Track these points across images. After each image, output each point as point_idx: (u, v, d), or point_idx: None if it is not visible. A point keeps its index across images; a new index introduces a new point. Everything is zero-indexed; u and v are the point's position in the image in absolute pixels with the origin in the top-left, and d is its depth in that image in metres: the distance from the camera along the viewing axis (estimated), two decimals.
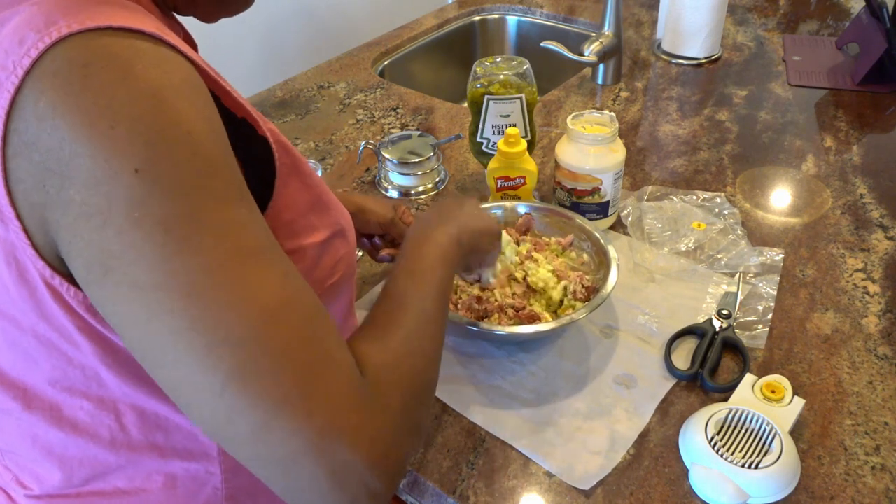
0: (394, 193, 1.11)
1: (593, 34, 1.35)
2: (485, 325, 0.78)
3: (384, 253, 0.87)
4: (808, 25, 1.61)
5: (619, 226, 1.02)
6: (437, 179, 1.12)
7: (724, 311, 0.84)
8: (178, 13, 0.57)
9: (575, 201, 0.97)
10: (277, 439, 0.42)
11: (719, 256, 0.94)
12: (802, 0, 1.75)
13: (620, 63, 1.39)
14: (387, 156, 1.09)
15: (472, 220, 0.70)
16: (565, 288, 0.84)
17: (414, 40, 1.62)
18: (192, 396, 0.43)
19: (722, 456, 0.66)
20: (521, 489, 0.68)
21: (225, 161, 0.44)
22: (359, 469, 0.44)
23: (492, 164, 0.99)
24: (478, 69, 1.06)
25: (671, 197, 1.05)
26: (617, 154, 0.95)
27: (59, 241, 0.42)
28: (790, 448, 0.68)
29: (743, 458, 0.66)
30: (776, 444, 0.67)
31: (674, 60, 1.47)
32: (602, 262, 0.86)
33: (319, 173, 1.09)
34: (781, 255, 0.94)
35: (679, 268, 0.93)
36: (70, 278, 0.45)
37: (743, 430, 0.69)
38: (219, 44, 1.60)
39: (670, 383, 0.77)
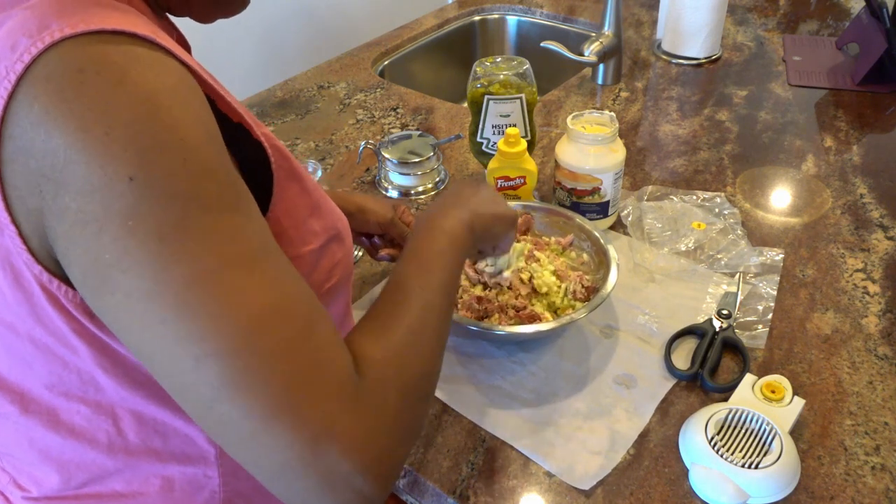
0: (394, 193, 1.11)
1: (593, 34, 1.35)
2: (485, 324, 0.78)
3: (384, 253, 0.87)
4: (808, 25, 1.61)
5: (619, 226, 1.02)
6: (437, 179, 1.12)
7: (724, 311, 0.84)
8: (172, 14, 0.56)
9: (575, 201, 0.97)
10: (269, 448, 0.42)
11: (719, 256, 0.94)
12: (802, 0, 1.75)
13: (620, 63, 1.39)
14: (387, 156, 1.09)
15: (486, 205, 0.68)
16: (566, 289, 0.84)
17: (414, 40, 1.62)
18: (189, 404, 0.44)
19: (722, 456, 0.66)
20: (521, 489, 0.68)
21: (220, 166, 0.44)
22: (350, 474, 0.44)
23: (492, 164, 0.99)
24: (478, 69, 1.06)
25: (671, 197, 1.05)
26: (617, 154, 0.95)
27: (56, 247, 0.42)
28: (790, 448, 0.68)
29: (743, 458, 0.66)
30: (776, 444, 0.67)
31: (674, 60, 1.47)
32: (602, 262, 0.86)
33: (319, 173, 1.09)
34: (781, 255, 0.94)
35: (679, 268, 0.93)
36: (67, 281, 0.45)
37: (743, 430, 0.69)
38: (219, 44, 1.61)
39: (670, 383, 0.77)
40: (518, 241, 0.88)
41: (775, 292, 0.88)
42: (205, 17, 0.57)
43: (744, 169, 1.13)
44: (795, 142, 1.20)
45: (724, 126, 1.25)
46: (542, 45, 1.29)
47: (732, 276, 0.91)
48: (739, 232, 0.98)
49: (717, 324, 0.83)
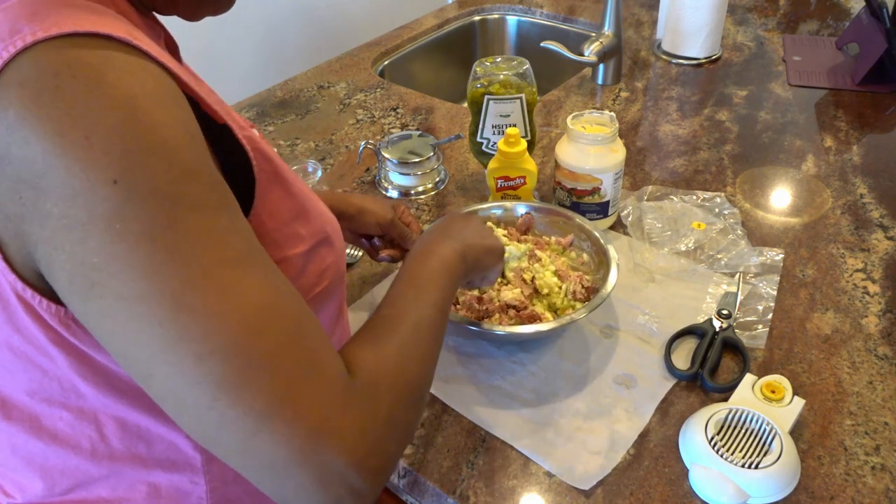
0: (394, 193, 1.11)
1: (593, 34, 1.35)
2: (485, 325, 0.78)
3: (384, 254, 0.87)
4: (808, 25, 1.61)
5: (619, 226, 1.02)
6: (437, 179, 1.12)
7: (724, 311, 0.84)
8: (158, 13, 0.55)
9: (575, 201, 0.97)
10: (266, 447, 0.42)
11: (719, 256, 0.94)
12: (802, 0, 1.75)
13: (620, 63, 1.39)
14: (387, 156, 1.09)
15: (477, 238, 0.70)
16: (566, 290, 0.84)
17: (414, 40, 1.62)
18: (182, 407, 0.43)
19: (722, 456, 0.66)
20: (521, 489, 0.68)
21: (203, 168, 0.43)
22: (343, 469, 0.44)
23: (492, 164, 0.99)
24: (478, 69, 1.06)
25: (671, 197, 1.05)
26: (617, 154, 0.95)
27: (38, 254, 0.41)
28: (790, 448, 0.68)
29: (743, 458, 0.66)
30: (776, 444, 0.67)
31: (674, 60, 1.47)
32: (602, 262, 0.86)
33: (319, 173, 1.09)
34: (781, 255, 0.94)
35: (679, 268, 0.93)
36: (42, 291, 0.44)
37: (743, 430, 0.69)
38: (219, 44, 1.61)
39: (670, 383, 0.77)
40: (520, 243, 0.88)
41: (775, 292, 0.88)
42: (191, 15, 0.56)
43: (744, 169, 1.13)
44: (795, 142, 1.20)
45: (724, 126, 1.25)
46: (542, 45, 1.29)
47: (732, 276, 0.91)
48: (739, 232, 0.98)
49: (717, 324, 0.83)
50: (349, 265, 0.96)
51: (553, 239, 0.92)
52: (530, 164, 0.98)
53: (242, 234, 0.45)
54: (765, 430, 0.69)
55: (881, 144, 1.18)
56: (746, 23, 1.64)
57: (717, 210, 1.02)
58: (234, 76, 1.67)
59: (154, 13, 0.55)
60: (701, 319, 0.85)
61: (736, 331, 0.82)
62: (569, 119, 0.96)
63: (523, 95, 1.05)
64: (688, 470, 0.68)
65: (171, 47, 0.59)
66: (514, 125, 1.06)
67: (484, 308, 0.82)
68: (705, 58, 1.46)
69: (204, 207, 0.43)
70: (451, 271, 0.63)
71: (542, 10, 1.72)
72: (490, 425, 0.74)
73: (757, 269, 0.92)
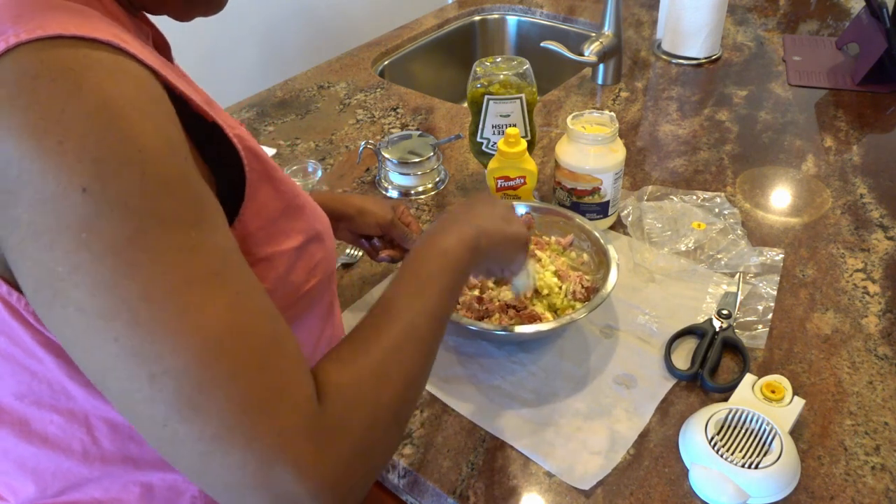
0: (394, 193, 1.11)
1: (593, 34, 1.35)
2: (485, 325, 0.78)
3: (384, 254, 0.87)
4: (808, 25, 1.61)
5: (619, 226, 1.02)
6: (437, 179, 1.12)
7: (724, 311, 0.84)
8: (148, 12, 0.55)
9: (575, 201, 0.97)
10: (220, 469, 0.41)
11: (719, 256, 0.94)
12: (802, 0, 1.75)
13: (620, 63, 1.39)
14: (387, 156, 1.09)
15: (498, 224, 0.66)
16: (566, 290, 0.84)
17: (414, 40, 1.62)
18: (138, 422, 0.42)
19: (722, 456, 0.66)
20: (521, 489, 0.68)
21: (181, 178, 0.42)
22: (301, 499, 0.42)
23: (492, 164, 0.99)
24: (478, 69, 1.06)
25: (671, 197, 1.05)
26: (617, 154, 0.95)
27: (9, 258, 0.41)
28: (790, 448, 0.68)
29: (743, 458, 0.66)
30: (776, 444, 0.67)
31: (674, 60, 1.47)
32: (602, 261, 0.86)
33: (319, 173, 1.09)
34: (781, 255, 0.94)
35: (679, 268, 0.93)
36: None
37: (743, 430, 0.69)
38: (219, 44, 1.61)
39: (670, 383, 0.77)
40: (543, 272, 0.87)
41: (775, 292, 0.88)
42: (182, 15, 0.55)
43: (744, 169, 1.13)
44: (795, 142, 1.20)
45: (724, 126, 1.25)
46: (542, 45, 1.29)
47: (732, 276, 0.91)
48: (739, 232, 0.98)
49: (717, 324, 0.83)
50: (349, 265, 0.96)
51: (553, 239, 0.92)
52: (530, 164, 0.98)
53: (215, 252, 0.43)
54: (765, 430, 0.69)
55: (881, 144, 1.18)
56: (746, 23, 1.64)
57: (717, 210, 1.02)
58: (234, 76, 1.67)
59: (144, 12, 0.55)
60: (701, 319, 0.85)
61: (736, 331, 0.82)
62: (569, 119, 0.96)
63: (523, 95, 1.05)
64: (688, 470, 0.68)
65: (162, 46, 0.59)
66: (514, 125, 1.06)
67: (484, 308, 0.82)
68: (705, 58, 1.46)
69: (175, 222, 0.41)
70: (455, 266, 0.59)
71: (542, 10, 1.72)
72: (490, 425, 0.74)
73: (757, 269, 0.92)
